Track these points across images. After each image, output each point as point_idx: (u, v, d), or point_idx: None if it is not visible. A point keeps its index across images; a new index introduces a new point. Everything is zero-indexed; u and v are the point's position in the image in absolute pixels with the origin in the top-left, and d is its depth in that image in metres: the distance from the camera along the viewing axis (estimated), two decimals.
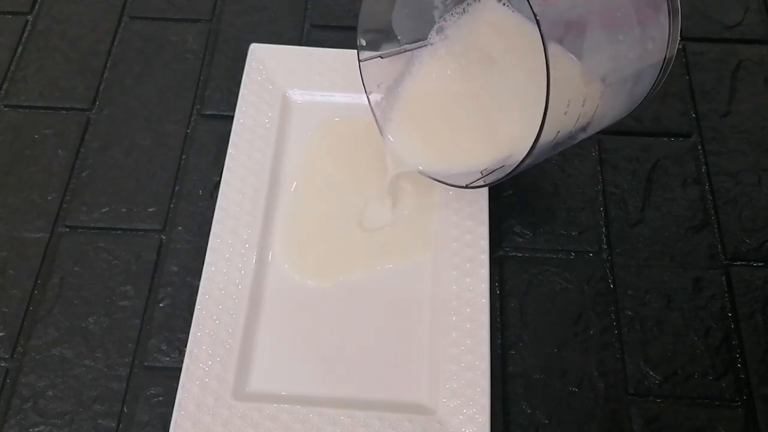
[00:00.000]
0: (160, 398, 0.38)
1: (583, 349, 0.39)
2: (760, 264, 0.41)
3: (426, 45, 0.40)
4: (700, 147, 0.45)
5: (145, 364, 0.39)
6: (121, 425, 0.37)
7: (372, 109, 0.40)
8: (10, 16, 0.51)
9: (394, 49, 0.39)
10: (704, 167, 0.45)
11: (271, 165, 0.43)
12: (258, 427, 0.35)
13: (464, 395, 0.36)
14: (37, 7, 0.52)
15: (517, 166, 0.31)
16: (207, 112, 0.47)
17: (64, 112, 0.47)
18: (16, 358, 0.39)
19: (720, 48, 0.49)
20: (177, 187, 0.44)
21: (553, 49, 0.28)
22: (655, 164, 0.45)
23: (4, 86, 0.48)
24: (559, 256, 0.42)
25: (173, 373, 0.38)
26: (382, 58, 0.39)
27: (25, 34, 0.50)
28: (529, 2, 0.27)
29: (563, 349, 0.39)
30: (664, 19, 0.33)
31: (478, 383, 0.36)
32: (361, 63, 0.38)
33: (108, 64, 0.49)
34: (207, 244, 0.40)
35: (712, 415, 0.37)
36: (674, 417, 0.37)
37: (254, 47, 0.47)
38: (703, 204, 0.43)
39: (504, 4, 0.38)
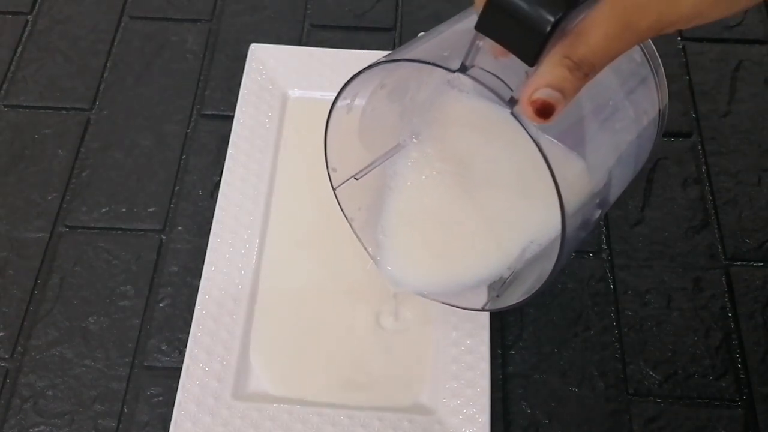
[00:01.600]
0: (160, 398, 0.38)
1: (583, 349, 0.39)
2: (760, 264, 0.41)
3: (397, 151, 0.35)
4: (700, 147, 0.45)
5: (145, 364, 0.39)
6: (121, 425, 0.37)
7: (357, 236, 0.36)
8: (10, 16, 0.51)
9: (367, 167, 0.35)
10: (704, 167, 0.45)
11: (271, 165, 0.43)
12: (258, 427, 0.35)
13: (464, 395, 0.36)
14: (37, 7, 0.52)
15: (554, 267, 0.28)
16: (207, 112, 0.47)
17: (64, 112, 0.47)
18: (16, 358, 0.39)
19: (720, 48, 0.49)
20: (177, 187, 0.44)
21: (550, 149, 0.25)
22: (655, 164, 0.45)
23: (4, 86, 0.48)
24: None
25: (173, 373, 0.38)
26: (356, 179, 0.35)
27: (25, 34, 0.50)
28: (526, 129, 0.24)
29: (563, 349, 0.39)
30: (651, 83, 0.31)
31: (478, 383, 0.36)
32: (336, 190, 0.35)
33: (108, 64, 0.49)
34: (207, 244, 0.40)
35: (712, 415, 0.37)
36: (674, 417, 0.37)
37: (254, 47, 0.47)
38: (703, 204, 0.43)
39: (462, 91, 0.33)
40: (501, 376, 0.38)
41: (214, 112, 0.47)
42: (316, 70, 0.46)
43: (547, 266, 0.28)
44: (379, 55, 0.46)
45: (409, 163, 0.35)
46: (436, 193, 0.35)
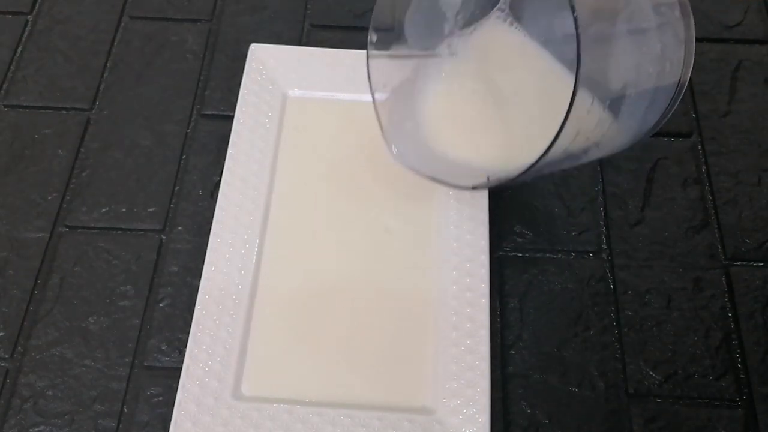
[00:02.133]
0: (160, 398, 0.38)
1: (583, 349, 0.39)
2: (760, 264, 0.41)
3: (432, 56, 0.39)
4: (700, 147, 0.45)
5: (145, 364, 0.39)
6: (121, 425, 0.37)
7: (375, 107, 0.39)
8: (10, 16, 0.51)
9: (405, 52, 0.39)
10: (704, 167, 0.45)
11: (271, 165, 0.43)
12: (258, 427, 0.35)
13: (464, 395, 0.36)
14: (37, 7, 0.52)
15: (531, 166, 0.31)
16: (207, 112, 0.47)
17: (64, 112, 0.47)
18: (16, 358, 0.39)
19: (720, 48, 0.49)
20: (177, 187, 0.44)
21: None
22: (655, 164, 0.45)
23: (4, 86, 0.48)
24: (559, 256, 0.42)
25: (173, 373, 0.38)
26: (391, 58, 0.38)
27: (25, 34, 0.50)
28: (572, 4, 0.27)
29: (563, 349, 0.39)
30: (680, 44, 0.33)
31: (478, 383, 0.36)
32: (370, 59, 0.38)
33: (108, 64, 0.49)
34: (207, 244, 0.40)
35: (712, 415, 0.37)
36: (674, 417, 0.37)
37: (254, 47, 0.47)
38: (703, 204, 0.43)
39: (512, 25, 0.37)
40: (501, 376, 0.38)
41: (214, 112, 0.47)
42: (316, 70, 0.46)
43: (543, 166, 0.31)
44: None
45: (443, 75, 0.39)
46: (462, 101, 0.39)
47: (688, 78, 0.33)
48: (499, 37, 0.38)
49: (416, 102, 0.40)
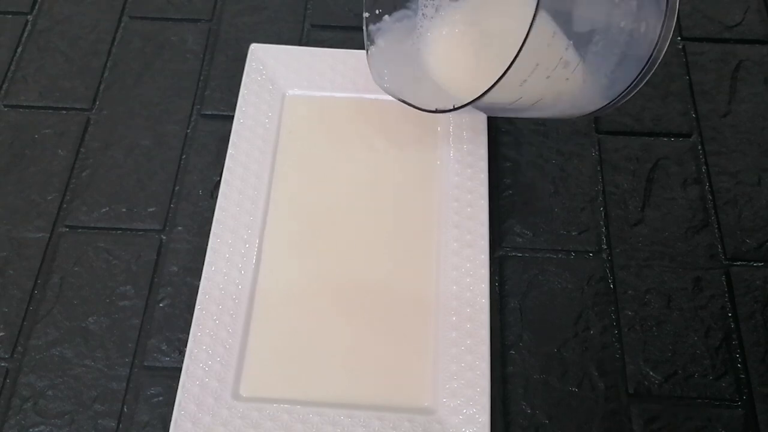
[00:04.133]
0: (160, 398, 0.38)
1: (583, 349, 0.39)
2: (760, 264, 0.41)
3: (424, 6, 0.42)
4: (700, 147, 0.45)
5: (145, 364, 0.39)
6: (121, 425, 0.37)
7: (366, 30, 0.41)
8: (10, 16, 0.51)
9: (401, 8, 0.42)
10: (704, 167, 0.45)
11: (270, 165, 0.43)
12: (258, 427, 0.35)
13: (464, 395, 0.36)
14: (37, 7, 0.52)
15: (487, 91, 0.31)
16: (207, 112, 0.47)
17: (64, 112, 0.47)
18: (16, 358, 0.39)
19: (720, 48, 0.49)
20: (177, 187, 0.44)
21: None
22: (655, 164, 0.45)
23: (4, 86, 0.48)
24: (559, 256, 0.42)
25: (173, 373, 0.38)
26: (388, 16, 0.42)
27: (25, 34, 0.50)
28: None
29: (563, 349, 0.39)
30: (660, 14, 0.32)
31: (478, 383, 0.36)
32: (367, 25, 0.40)
33: (108, 64, 0.49)
34: (207, 244, 0.40)
35: (712, 415, 0.37)
36: (674, 417, 0.37)
37: (254, 47, 0.47)
38: (703, 204, 0.43)
39: None
40: (501, 376, 0.38)
41: (214, 112, 0.47)
42: (316, 70, 0.46)
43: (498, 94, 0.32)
44: None
45: (440, 17, 0.42)
46: (453, 41, 0.42)
47: (662, 55, 0.33)
48: None
49: (414, 38, 0.42)
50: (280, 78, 0.46)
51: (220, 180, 0.42)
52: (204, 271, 0.39)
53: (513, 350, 0.39)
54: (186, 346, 0.37)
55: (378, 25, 0.41)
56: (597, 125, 0.46)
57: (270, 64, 0.46)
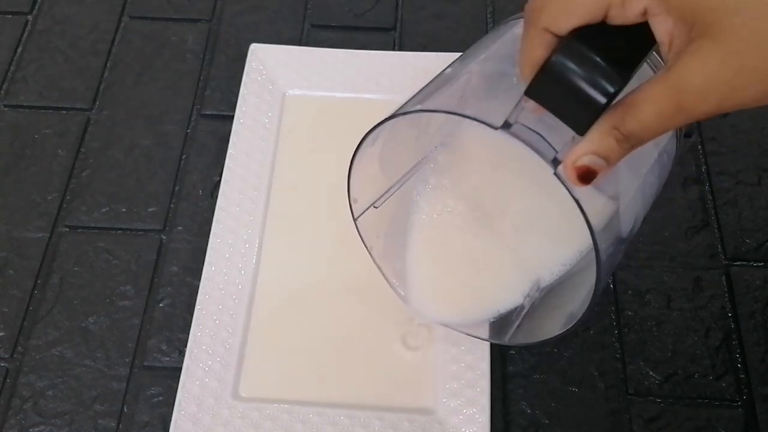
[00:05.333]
0: (160, 398, 0.38)
1: (583, 349, 0.39)
2: (760, 264, 0.41)
3: (414, 174, 0.35)
4: (700, 147, 0.45)
5: (145, 364, 0.39)
6: (121, 425, 0.37)
7: (378, 267, 0.36)
8: (10, 16, 0.51)
9: (386, 193, 0.35)
10: (704, 167, 0.45)
11: (271, 165, 0.43)
12: (258, 427, 0.35)
13: (464, 395, 0.36)
14: (37, 7, 0.52)
15: (594, 293, 0.29)
16: (207, 112, 0.47)
17: (64, 112, 0.47)
18: (16, 358, 0.39)
19: None
20: (177, 187, 0.44)
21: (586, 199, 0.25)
22: None
23: (4, 86, 0.48)
24: None
25: (173, 373, 0.38)
26: (376, 207, 0.35)
27: (25, 34, 0.50)
28: (569, 191, 0.24)
29: (563, 349, 0.39)
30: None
31: (478, 383, 0.36)
32: (356, 221, 0.35)
33: (108, 64, 0.49)
34: (207, 244, 0.40)
35: (712, 415, 0.37)
36: (674, 417, 0.37)
37: (254, 47, 0.47)
38: (703, 204, 0.43)
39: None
40: (501, 376, 0.38)
41: (214, 112, 0.47)
42: (316, 70, 0.46)
43: (569, 304, 0.30)
44: (378, 54, 0.47)
45: (429, 188, 0.35)
46: (451, 229, 0.35)
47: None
48: (472, 139, 0.34)
49: (409, 245, 0.36)
50: (280, 78, 0.46)
51: (220, 180, 0.42)
52: (204, 271, 0.39)
53: (513, 350, 0.39)
54: (186, 346, 0.37)
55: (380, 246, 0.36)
56: None
57: (270, 64, 0.46)
